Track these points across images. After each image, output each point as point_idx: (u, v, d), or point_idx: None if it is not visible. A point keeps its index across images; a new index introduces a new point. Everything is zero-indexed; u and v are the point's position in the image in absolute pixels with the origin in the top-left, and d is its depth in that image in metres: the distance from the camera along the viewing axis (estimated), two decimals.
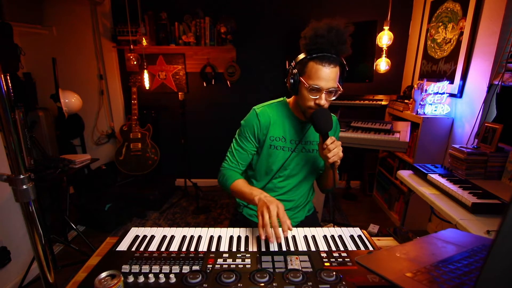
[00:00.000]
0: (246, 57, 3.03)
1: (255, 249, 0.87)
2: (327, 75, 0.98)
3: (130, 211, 2.71)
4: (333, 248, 0.88)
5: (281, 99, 1.21)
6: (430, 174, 1.54)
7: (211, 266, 0.76)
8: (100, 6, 2.86)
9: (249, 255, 0.81)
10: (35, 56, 2.84)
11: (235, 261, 0.78)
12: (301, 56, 1.03)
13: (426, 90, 2.23)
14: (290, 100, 1.19)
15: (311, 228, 1.00)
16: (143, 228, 0.99)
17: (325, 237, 0.95)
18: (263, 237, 0.85)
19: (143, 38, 2.77)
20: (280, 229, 0.84)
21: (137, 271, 0.74)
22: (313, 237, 0.95)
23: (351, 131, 2.15)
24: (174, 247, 0.88)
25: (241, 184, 1.09)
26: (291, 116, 1.16)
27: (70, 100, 2.40)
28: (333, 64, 0.98)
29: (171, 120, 3.22)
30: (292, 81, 1.05)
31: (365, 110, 2.98)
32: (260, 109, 1.16)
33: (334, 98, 1.05)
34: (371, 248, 0.88)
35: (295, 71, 1.04)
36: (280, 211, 0.87)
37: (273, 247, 0.88)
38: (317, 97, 1.01)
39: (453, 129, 2.20)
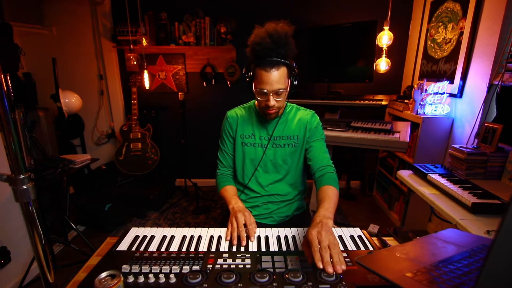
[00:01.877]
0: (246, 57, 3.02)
1: (255, 249, 0.87)
2: (270, 79, 1.05)
3: (130, 211, 2.70)
4: None
5: (251, 102, 1.31)
6: (430, 174, 1.54)
7: (211, 266, 0.76)
8: (100, 6, 2.86)
9: (249, 255, 0.81)
10: (35, 56, 2.84)
11: (235, 261, 0.78)
12: (249, 61, 1.13)
13: (426, 90, 2.23)
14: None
15: None
16: (143, 228, 0.99)
17: None
18: (228, 238, 0.93)
19: (143, 38, 2.77)
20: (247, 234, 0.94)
21: (137, 271, 0.74)
22: None
23: (351, 131, 2.15)
24: (174, 247, 0.88)
25: (225, 190, 1.20)
26: (257, 116, 1.25)
27: (70, 100, 2.40)
28: (276, 67, 1.04)
29: (171, 120, 3.22)
30: (247, 85, 1.15)
31: (365, 110, 2.98)
32: (230, 112, 1.30)
33: (282, 98, 1.11)
34: (371, 248, 0.88)
35: (250, 73, 1.12)
36: (247, 219, 0.97)
37: (273, 247, 0.88)
38: (266, 99, 1.09)
39: (453, 129, 2.20)
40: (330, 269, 0.66)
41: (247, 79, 1.14)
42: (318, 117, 1.28)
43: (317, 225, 0.78)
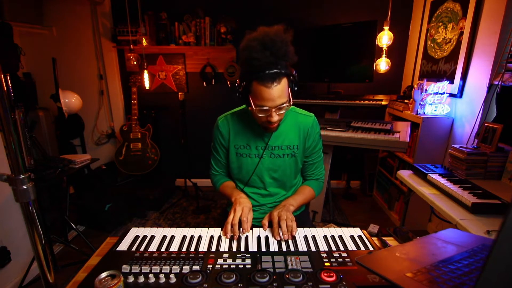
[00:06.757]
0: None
1: (255, 249, 0.87)
2: (272, 95, 0.93)
3: (130, 211, 2.70)
4: (333, 248, 0.88)
5: (244, 106, 1.17)
6: (430, 174, 1.54)
7: (211, 266, 0.76)
8: (100, 6, 2.86)
9: (249, 255, 0.81)
10: (35, 56, 2.84)
11: (235, 261, 0.78)
12: (243, 73, 0.96)
13: (426, 90, 2.23)
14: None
15: (311, 228, 1.00)
16: (143, 228, 0.99)
17: (325, 237, 0.94)
18: (225, 235, 0.94)
19: (143, 38, 2.77)
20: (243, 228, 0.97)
21: (137, 271, 0.74)
22: (313, 237, 0.94)
23: (351, 131, 2.15)
24: (174, 247, 0.88)
25: (225, 186, 1.22)
26: (252, 123, 1.13)
27: (70, 100, 2.40)
28: (277, 80, 0.92)
29: (171, 120, 3.22)
30: (241, 96, 1.00)
31: (365, 110, 2.99)
32: (221, 119, 1.20)
33: (285, 110, 0.99)
34: (371, 248, 0.88)
35: (243, 83, 0.97)
36: (243, 213, 0.98)
37: (273, 247, 0.88)
38: (268, 115, 0.98)
39: (453, 129, 2.20)
40: (285, 237, 0.91)
41: (240, 89, 0.98)
42: (319, 124, 1.20)
43: (280, 207, 1.04)
